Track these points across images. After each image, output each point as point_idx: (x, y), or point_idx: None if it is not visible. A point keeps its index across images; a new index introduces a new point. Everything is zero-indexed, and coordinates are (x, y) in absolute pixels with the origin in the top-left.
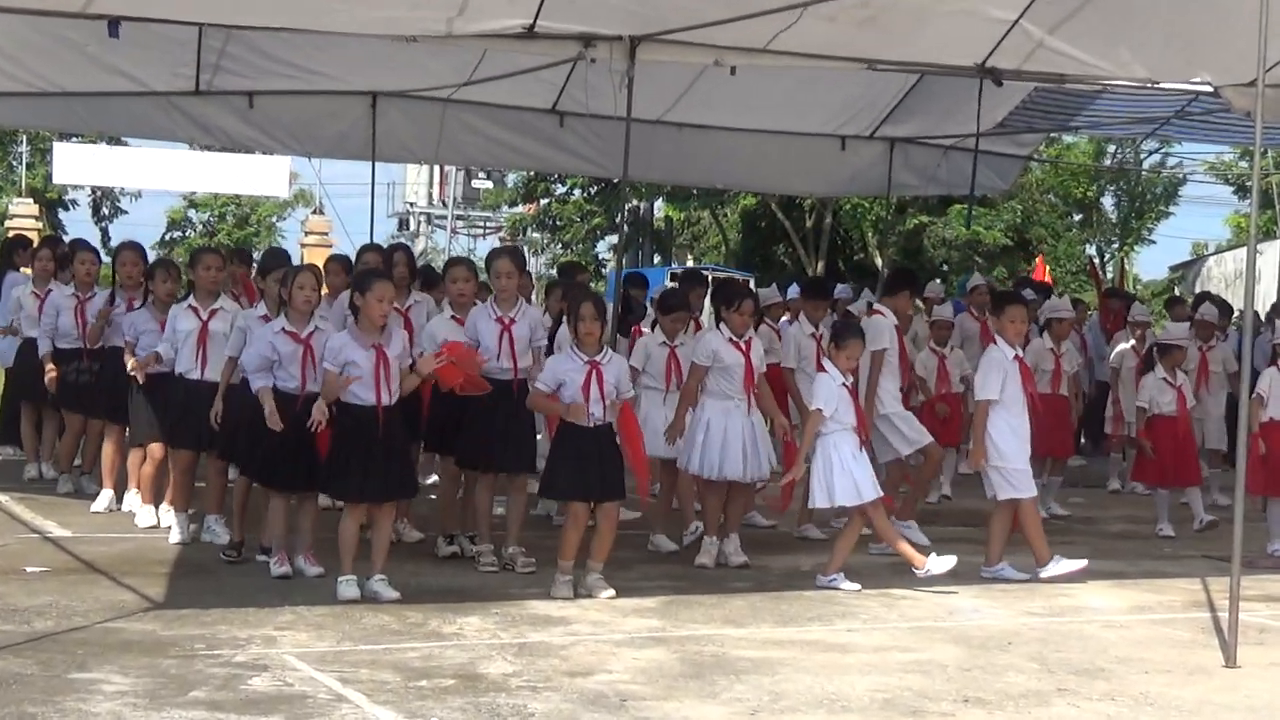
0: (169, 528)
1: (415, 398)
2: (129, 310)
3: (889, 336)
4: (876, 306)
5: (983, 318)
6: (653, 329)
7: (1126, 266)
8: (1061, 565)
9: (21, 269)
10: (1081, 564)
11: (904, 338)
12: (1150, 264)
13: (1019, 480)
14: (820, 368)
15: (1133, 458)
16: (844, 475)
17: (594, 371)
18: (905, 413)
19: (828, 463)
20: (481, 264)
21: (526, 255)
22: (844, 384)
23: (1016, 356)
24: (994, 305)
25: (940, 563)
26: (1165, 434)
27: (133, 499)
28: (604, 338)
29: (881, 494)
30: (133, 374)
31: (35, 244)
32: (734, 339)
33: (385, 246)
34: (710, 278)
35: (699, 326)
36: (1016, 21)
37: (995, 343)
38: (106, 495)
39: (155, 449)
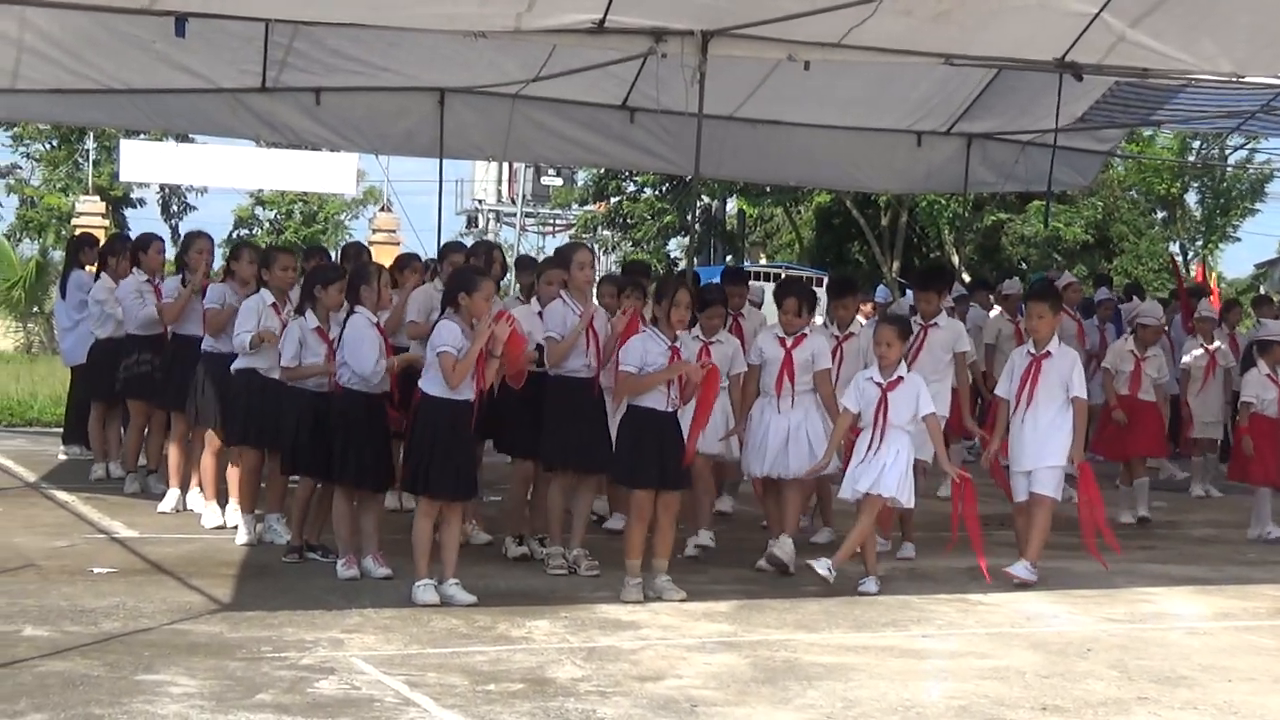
0: (235, 528)
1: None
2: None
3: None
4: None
5: (1015, 320)
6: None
7: (1209, 263)
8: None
9: (87, 267)
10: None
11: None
12: (1235, 262)
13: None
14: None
15: (1220, 457)
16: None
17: (676, 357)
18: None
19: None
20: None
21: (598, 253)
22: (870, 378)
23: (1028, 352)
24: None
25: (823, 566)
26: (1266, 433)
27: (196, 498)
28: None
29: (877, 495)
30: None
31: (101, 242)
32: (780, 335)
33: (473, 243)
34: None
35: (738, 325)
36: (1097, 15)
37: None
38: (173, 495)
39: (213, 437)
